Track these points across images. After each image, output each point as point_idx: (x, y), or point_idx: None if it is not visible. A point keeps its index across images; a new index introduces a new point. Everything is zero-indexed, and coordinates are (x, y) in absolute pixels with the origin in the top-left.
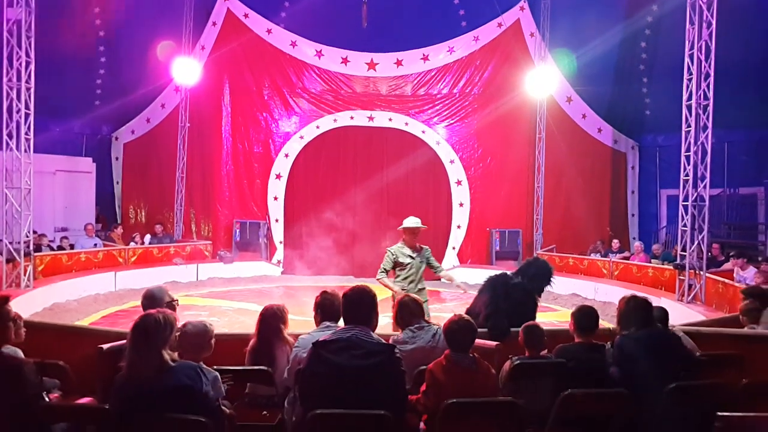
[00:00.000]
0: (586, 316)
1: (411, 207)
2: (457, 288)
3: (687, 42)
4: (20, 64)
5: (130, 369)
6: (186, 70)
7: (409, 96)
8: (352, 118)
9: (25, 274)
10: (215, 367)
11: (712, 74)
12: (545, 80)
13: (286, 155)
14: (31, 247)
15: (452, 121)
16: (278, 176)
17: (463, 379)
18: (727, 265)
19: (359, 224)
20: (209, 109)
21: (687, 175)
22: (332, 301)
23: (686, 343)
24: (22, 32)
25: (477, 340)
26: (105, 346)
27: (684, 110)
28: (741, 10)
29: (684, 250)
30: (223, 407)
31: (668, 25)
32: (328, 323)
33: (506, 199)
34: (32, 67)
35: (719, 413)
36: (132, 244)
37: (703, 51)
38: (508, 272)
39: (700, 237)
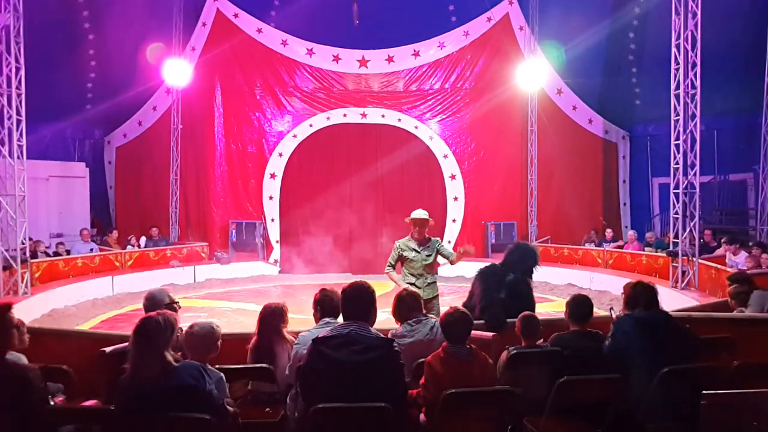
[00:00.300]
0: (580, 304)
1: (406, 202)
2: (467, 251)
3: (673, 32)
4: (10, 70)
5: (133, 370)
6: (177, 71)
7: (401, 92)
8: (345, 115)
9: (22, 281)
10: (218, 366)
11: (699, 63)
12: (535, 73)
13: (280, 154)
14: (28, 254)
15: (445, 116)
16: (273, 176)
17: (461, 370)
18: (719, 251)
19: (355, 221)
20: (201, 111)
21: (677, 163)
22: (331, 298)
23: None
24: (11, 38)
25: (474, 332)
26: (107, 349)
27: (672, 99)
28: None
29: (676, 237)
30: (227, 406)
31: (656, 16)
32: (327, 320)
33: (500, 192)
34: (22, 72)
35: (705, 391)
36: (129, 247)
37: (690, 41)
38: (497, 263)
39: (691, 224)
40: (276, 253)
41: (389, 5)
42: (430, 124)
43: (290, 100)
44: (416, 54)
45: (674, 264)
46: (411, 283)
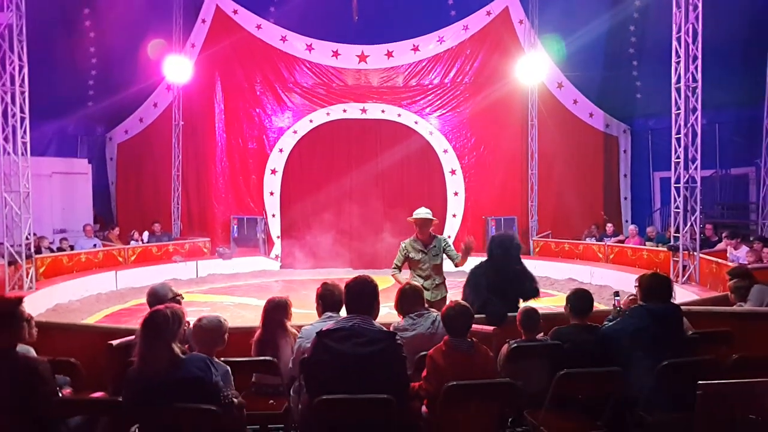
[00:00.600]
0: (581, 298)
1: (406, 197)
2: (468, 247)
3: (674, 25)
4: (13, 68)
5: (141, 363)
6: (177, 68)
7: (401, 87)
8: (344, 111)
9: (27, 276)
10: (223, 359)
11: (700, 56)
12: (535, 67)
13: (281, 150)
14: (32, 250)
15: (444, 111)
16: (273, 171)
17: (463, 363)
18: (720, 245)
19: (355, 216)
20: (202, 107)
21: (678, 157)
22: (333, 292)
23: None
24: (14, 36)
25: (474, 326)
26: (114, 342)
27: (673, 93)
28: None
29: (677, 231)
30: (233, 398)
31: (656, 9)
32: (330, 314)
33: (500, 187)
34: (26, 70)
35: (700, 382)
36: (132, 242)
37: (690, 34)
38: (484, 262)
39: (692, 218)
40: (277, 249)
41: (388, 0)
42: (430, 119)
43: (290, 96)
44: (415, 49)
45: (675, 258)
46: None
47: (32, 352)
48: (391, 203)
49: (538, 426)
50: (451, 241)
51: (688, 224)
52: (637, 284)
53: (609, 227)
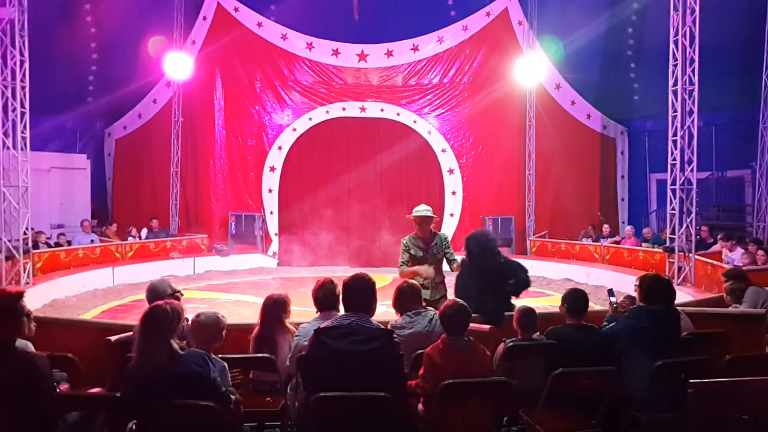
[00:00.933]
0: (577, 298)
1: (404, 196)
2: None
3: (672, 28)
4: (14, 63)
5: (140, 358)
6: (177, 64)
7: (400, 86)
8: (344, 109)
9: (24, 271)
10: (221, 355)
11: (697, 59)
12: (534, 68)
13: (280, 148)
14: (30, 245)
15: (443, 111)
16: (272, 169)
17: (460, 362)
18: (715, 247)
19: (354, 214)
20: (202, 104)
21: (674, 159)
22: (332, 290)
23: (684, 323)
24: (15, 31)
25: (471, 324)
26: (113, 338)
27: (670, 95)
28: None
29: (673, 233)
30: (230, 394)
31: (654, 11)
32: (327, 311)
33: (498, 187)
34: (26, 65)
35: (691, 380)
36: (129, 238)
37: (688, 37)
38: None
39: (688, 220)
40: (275, 246)
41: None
42: (429, 119)
43: (290, 94)
44: (415, 48)
45: (671, 260)
46: (419, 284)
47: (30, 347)
48: (389, 201)
49: (534, 425)
50: (449, 240)
51: (684, 226)
52: (637, 284)
53: (605, 228)
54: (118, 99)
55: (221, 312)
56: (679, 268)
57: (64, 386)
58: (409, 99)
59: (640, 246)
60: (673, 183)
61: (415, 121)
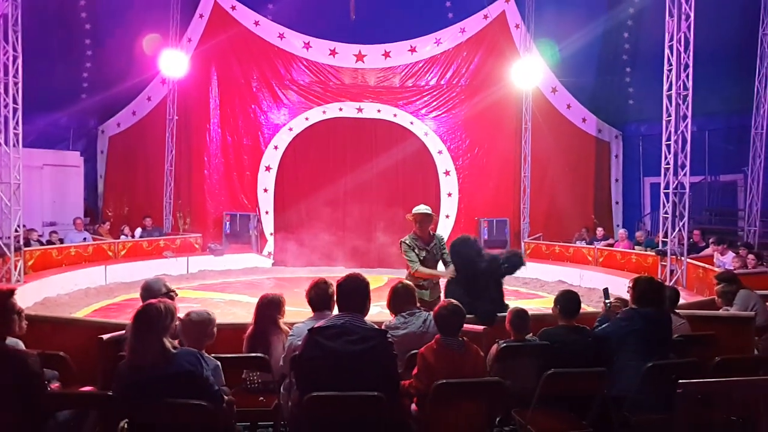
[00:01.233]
0: (569, 300)
1: (400, 197)
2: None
3: (666, 34)
4: (7, 59)
5: (132, 356)
6: (173, 62)
7: (398, 87)
8: (341, 109)
9: (15, 269)
10: (214, 355)
11: (691, 65)
12: (530, 71)
13: (276, 147)
14: (21, 242)
15: (440, 112)
16: (268, 168)
17: (453, 362)
18: (707, 251)
19: (349, 215)
20: (197, 102)
21: (668, 163)
22: (325, 290)
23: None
24: (8, 26)
25: (465, 325)
26: (105, 336)
27: (664, 100)
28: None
29: (666, 236)
30: (223, 393)
31: (650, 16)
32: (321, 311)
33: (494, 189)
34: (20, 61)
35: (680, 381)
36: (122, 237)
37: (682, 42)
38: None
39: (681, 224)
40: (270, 246)
41: (387, 0)
42: (426, 120)
43: (286, 93)
44: (413, 50)
45: (663, 263)
46: (419, 285)
47: (21, 345)
48: (385, 202)
49: (526, 425)
50: (445, 241)
51: (677, 229)
52: (631, 285)
53: (599, 231)
54: (112, 96)
55: (215, 312)
56: (671, 271)
57: (55, 385)
58: (406, 100)
59: (633, 249)
60: (667, 187)
61: (411, 123)
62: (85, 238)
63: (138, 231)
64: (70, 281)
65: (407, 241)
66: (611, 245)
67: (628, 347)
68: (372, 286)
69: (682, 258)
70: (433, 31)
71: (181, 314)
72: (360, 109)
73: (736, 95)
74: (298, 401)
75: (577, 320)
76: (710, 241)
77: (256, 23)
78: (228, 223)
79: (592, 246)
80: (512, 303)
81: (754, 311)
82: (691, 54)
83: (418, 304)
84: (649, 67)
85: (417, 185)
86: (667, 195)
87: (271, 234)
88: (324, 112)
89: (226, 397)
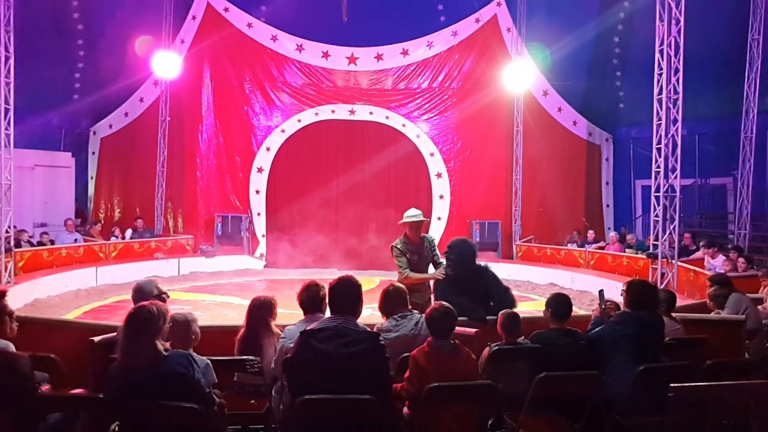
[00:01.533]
0: (561, 303)
1: (392, 199)
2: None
3: (657, 38)
4: None
5: (124, 359)
6: (165, 63)
7: (390, 90)
8: (333, 111)
9: (5, 270)
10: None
11: (681, 69)
12: (522, 74)
13: (268, 149)
14: (12, 243)
15: (432, 115)
16: (260, 170)
17: (445, 365)
18: (697, 254)
19: (341, 217)
20: (189, 103)
21: (658, 167)
22: (316, 293)
23: (673, 327)
24: (0, 27)
25: (457, 328)
26: (96, 339)
27: (655, 104)
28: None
29: (657, 239)
30: (214, 395)
31: (640, 21)
32: (312, 314)
33: (485, 191)
34: (12, 61)
35: (672, 384)
36: (112, 238)
37: (673, 47)
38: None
39: (671, 227)
40: (262, 247)
41: (379, 3)
42: (418, 123)
43: (279, 95)
44: (405, 53)
45: (654, 266)
46: (412, 288)
47: (11, 348)
48: (377, 204)
49: (517, 428)
50: (436, 243)
51: (667, 233)
52: (624, 289)
53: (590, 234)
54: (104, 97)
55: (205, 314)
56: (662, 274)
57: (45, 387)
58: (398, 103)
59: (624, 252)
60: (657, 190)
61: (404, 125)
62: (76, 240)
63: (128, 232)
64: (61, 283)
65: (398, 246)
66: (602, 248)
67: (621, 351)
68: (364, 288)
69: (673, 261)
70: (425, 35)
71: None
72: (352, 112)
73: (725, 99)
74: (289, 404)
75: (568, 323)
76: (701, 244)
77: (249, 25)
78: (219, 224)
79: (584, 249)
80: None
81: (745, 315)
82: (682, 58)
83: (410, 307)
84: (639, 71)
85: (409, 187)
86: (657, 198)
87: (263, 236)
88: (316, 114)
89: (217, 400)
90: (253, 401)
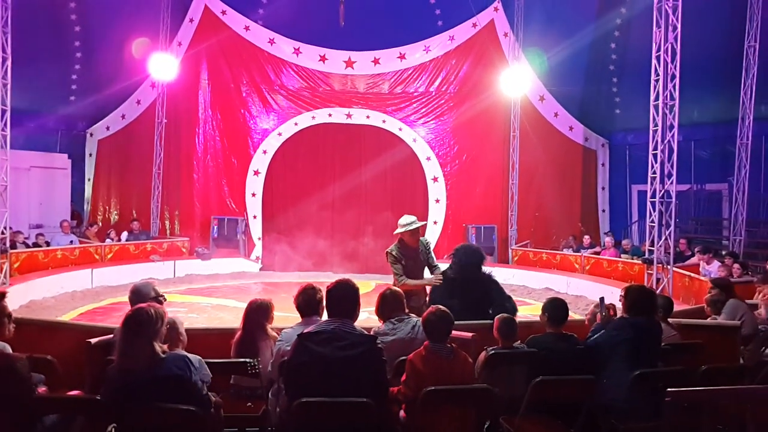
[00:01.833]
0: (557, 308)
1: (388, 203)
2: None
3: (654, 44)
4: None
5: (122, 360)
6: (162, 66)
7: (387, 94)
8: (330, 115)
9: (1, 272)
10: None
11: (678, 75)
12: (519, 80)
13: (264, 152)
14: (7, 244)
15: (429, 119)
16: (256, 173)
17: (442, 369)
18: (693, 260)
19: (337, 220)
20: (186, 106)
21: (654, 172)
22: (312, 296)
23: (669, 333)
24: None
25: (453, 332)
26: (93, 340)
27: (651, 110)
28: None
29: (652, 245)
30: (210, 396)
31: (637, 27)
32: (310, 317)
33: (482, 196)
34: (9, 63)
35: (669, 389)
36: (108, 240)
37: (669, 53)
38: (448, 273)
39: (667, 232)
40: (258, 250)
41: (376, 7)
42: (414, 127)
43: (276, 98)
44: (402, 57)
45: (649, 271)
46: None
47: (8, 349)
48: (373, 208)
49: None
50: (432, 246)
51: (663, 238)
52: (623, 294)
53: (586, 239)
54: (101, 99)
55: (201, 316)
56: (658, 280)
57: (42, 389)
58: (395, 107)
59: (620, 257)
60: (653, 196)
61: (400, 129)
62: (71, 241)
63: (124, 235)
64: (56, 284)
65: (393, 253)
66: (598, 253)
67: (618, 356)
68: (360, 291)
69: (669, 267)
70: (422, 39)
71: None
72: (349, 115)
73: (721, 106)
74: (286, 407)
75: (565, 328)
76: (696, 250)
77: (246, 28)
78: (216, 227)
79: (579, 254)
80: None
81: (741, 321)
82: (678, 65)
83: (407, 310)
84: (635, 76)
85: (405, 191)
86: (653, 204)
87: (259, 238)
88: (313, 117)
89: (213, 399)
90: (249, 404)
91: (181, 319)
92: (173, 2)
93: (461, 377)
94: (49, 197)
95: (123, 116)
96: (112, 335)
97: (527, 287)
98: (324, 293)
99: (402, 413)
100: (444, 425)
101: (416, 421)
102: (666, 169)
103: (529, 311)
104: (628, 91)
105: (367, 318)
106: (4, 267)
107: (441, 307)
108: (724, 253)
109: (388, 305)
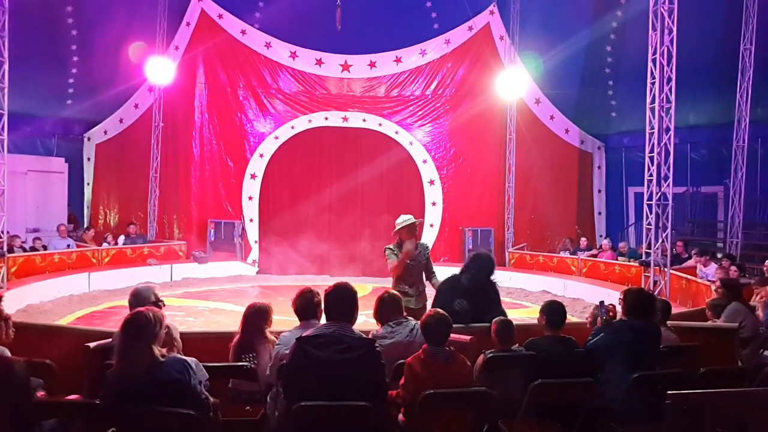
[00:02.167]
0: (555, 311)
1: (385, 206)
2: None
3: (650, 47)
4: None
5: (121, 364)
6: (159, 69)
7: (383, 97)
8: (326, 118)
9: None
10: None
11: (674, 78)
12: (515, 83)
13: (261, 155)
14: (5, 248)
15: (425, 122)
16: (253, 176)
17: (440, 372)
18: (690, 262)
19: (334, 223)
20: (183, 109)
21: (651, 175)
22: (310, 299)
23: (667, 336)
24: None
25: (452, 335)
26: (92, 345)
27: (647, 113)
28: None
29: (649, 247)
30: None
31: (633, 30)
32: (308, 320)
33: (478, 199)
34: (6, 67)
35: (669, 392)
36: (105, 244)
37: (665, 56)
38: (456, 274)
39: (664, 235)
40: (254, 254)
41: (373, 11)
42: (411, 130)
43: (272, 102)
44: (398, 60)
45: (646, 274)
46: (404, 292)
47: (7, 353)
48: (370, 211)
49: None
50: (429, 249)
51: (660, 241)
52: (621, 297)
53: (582, 241)
54: (98, 103)
55: (198, 320)
56: (655, 282)
57: (40, 393)
58: (391, 110)
59: (617, 260)
60: (650, 198)
61: (396, 132)
62: (68, 245)
63: (121, 239)
64: (53, 288)
65: (392, 247)
66: (594, 255)
67: (616, 358)
68: (358, 294)
69: (666, 269)
70: (418, 42)
71: None
72: (345, 119)
73: (717, 108)
74: (285, 411)
75: (562, 330)
76: (693, 252)
77: (243, 32)
78: (212, 230)
79: (576, 256)
80: None
81: (742, 325)
82: (674, 67)
83: (405, 313)
84: (631, 79)
85: (402, 194)
86: (650, 206)
87: (256, 242)
88: (310, 121)
89: (211, 399)
90: (248, 408)
91: (178, 323)
92: (170, 6)
93: (459, 380)
94: (46, 201)
95: (121, 120)
96: (110, 339)
97: (524, 290)
98: (322, 296)
99: (401, 416)
100: (442, 428)
101: (415, 425)
102: (662, 172)
103: (525, 314)
104: (624, 94)
105: (364, 321)
106: (1, 271)
107: (439, 310)
108: (719, 255)
109: (386, 308)
